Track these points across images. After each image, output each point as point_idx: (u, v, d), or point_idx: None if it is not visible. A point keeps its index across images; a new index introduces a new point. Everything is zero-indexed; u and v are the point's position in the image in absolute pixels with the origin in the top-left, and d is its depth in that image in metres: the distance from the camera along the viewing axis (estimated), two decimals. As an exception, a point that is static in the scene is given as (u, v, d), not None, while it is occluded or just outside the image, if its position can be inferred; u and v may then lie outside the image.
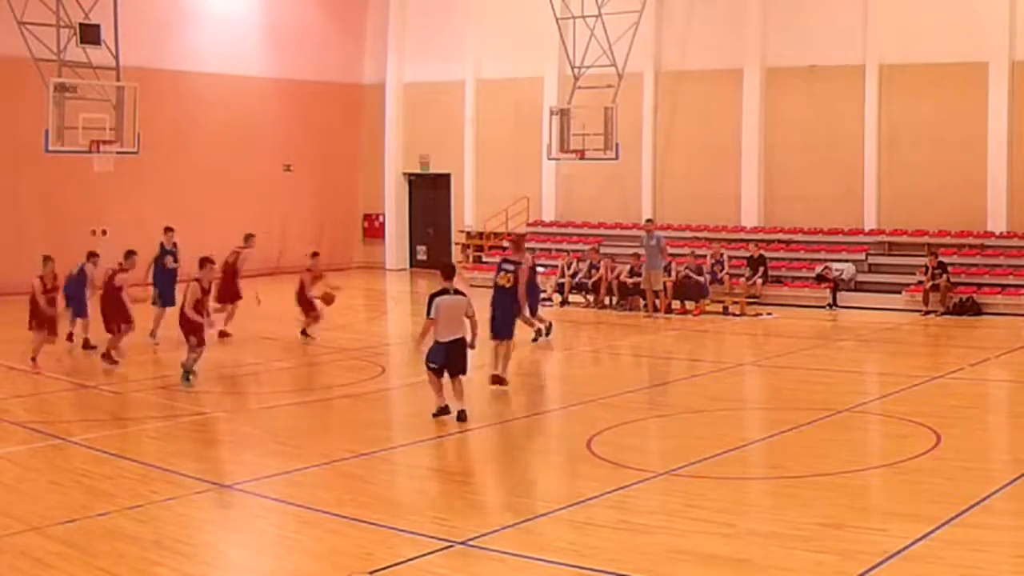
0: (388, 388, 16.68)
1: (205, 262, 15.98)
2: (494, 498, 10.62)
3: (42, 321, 17.20)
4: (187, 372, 15.56)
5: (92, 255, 19.45)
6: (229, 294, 20.71)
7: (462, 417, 13.06)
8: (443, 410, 13.16)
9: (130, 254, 18.30)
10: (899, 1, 25.82)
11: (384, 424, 14.45)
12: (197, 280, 15.81)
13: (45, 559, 8.41)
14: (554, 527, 9.29)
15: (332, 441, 12.51)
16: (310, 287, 20.23)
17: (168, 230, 21.29)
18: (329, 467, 11.33)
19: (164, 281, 20.23)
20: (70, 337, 19.00)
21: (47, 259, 17.92)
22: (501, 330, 15.59)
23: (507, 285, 15.96)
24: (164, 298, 19.93)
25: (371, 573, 8.13)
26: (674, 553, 8.59)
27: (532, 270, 19.40)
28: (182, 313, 15.69)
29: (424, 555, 8.52)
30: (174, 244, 21.12)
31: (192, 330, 15.61)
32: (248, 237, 21.87)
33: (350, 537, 9.05)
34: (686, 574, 8.22)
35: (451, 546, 8.73)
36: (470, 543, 8.79)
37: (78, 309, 18.90)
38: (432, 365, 13.16)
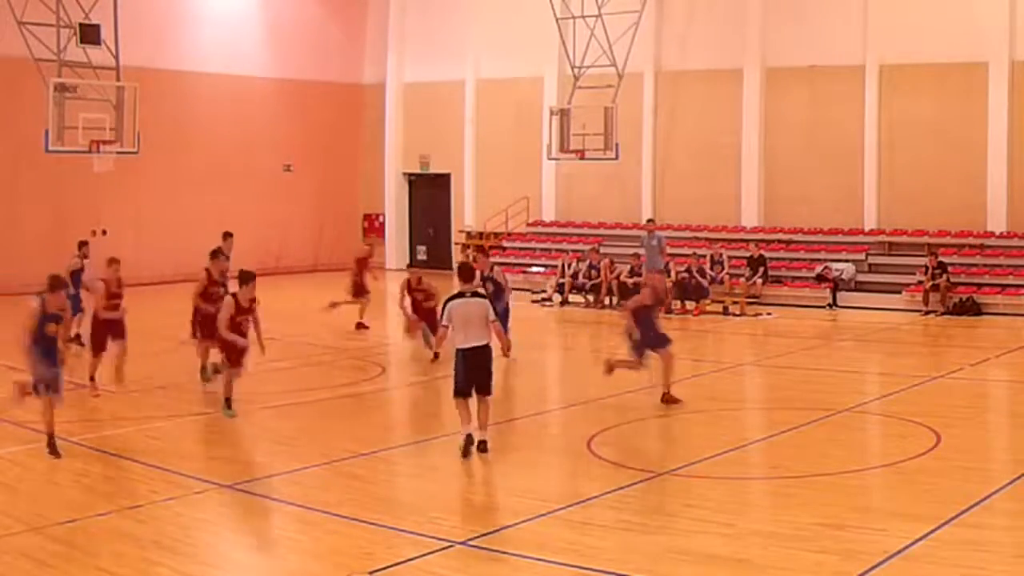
0: (388, 388, 16.69)
1: (247, 277, 13.83)
2: (494, 498, 10.63)
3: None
4: (226, 400, 13.67)
5: (83, 244, 19.28)
6: (360, 290, 22.10)
7: (482, 448, 11.64)
8: (468, 440, 11.60)
9: (217, 253, 17.19)
10: (899, 1, 25.82)
11: (384, 424, 14.44)
12: (234, 295, 13.86)
13: (45, 559, 8.42)
14: (554, 527, 9.29)
15: (332, 441, 12.51)
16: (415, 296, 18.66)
17: (227, 235, 20.27)
18: (329, 467, 11.33)
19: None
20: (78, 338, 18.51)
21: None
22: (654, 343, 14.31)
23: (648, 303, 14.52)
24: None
25: (371, 573, 8.13)
26: (674, 553, 8.59)
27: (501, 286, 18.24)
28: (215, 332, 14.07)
29: (424, 555, 8.52)
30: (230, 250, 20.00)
31: (225, 350, 13.79)
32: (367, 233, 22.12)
33: (350, 537, 9.05)
34: (686, 574, 8.22)
35: (451, 546, 8.73)
36: (470, 543, 8.80)
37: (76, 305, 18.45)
38: (457, 388, 11.65)
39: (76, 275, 18.64)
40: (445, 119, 32.86)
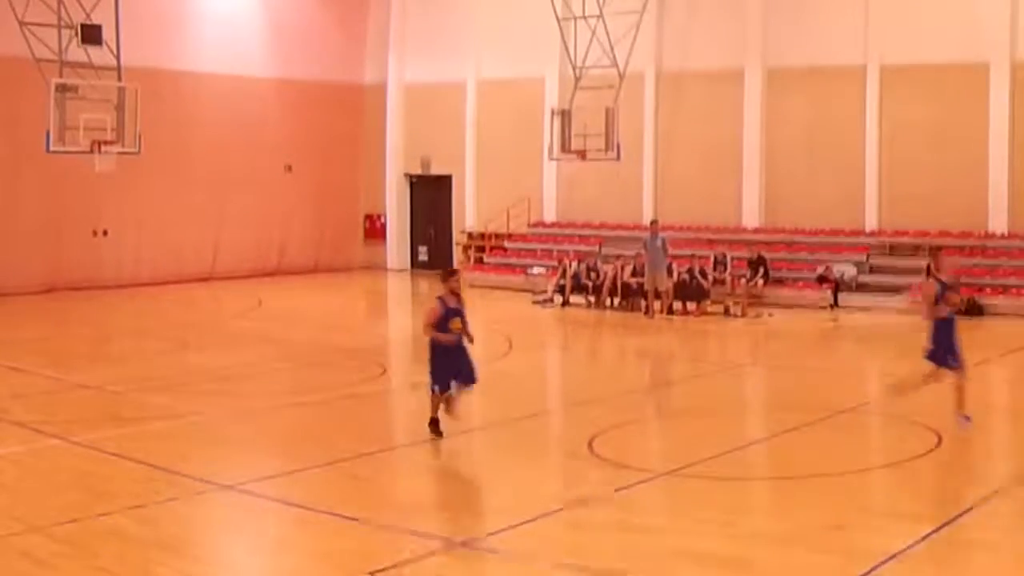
0: (389, 388, 16.68)
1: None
2: (494, 498, 10.61)
3: None
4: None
5: (451, 274, 12.68)
6: None
7: None
8: None
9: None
10: (900, 1, 25.82)
11: (385, 424, 14.45)
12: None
13: (46, 559, 8.42)
14: (554, 527, 9.28)
15: (333, 441, 12.50)
16: None
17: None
18: (330, 467, 11.32)
19: None
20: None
21: None
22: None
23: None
24: None
25: (372, 573, 8.13)
26: (675, 553, 8.59)
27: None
28: None
29: (424, 555, 8.52)
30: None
31: None
32: None
33: (350, 537, 9.05)
34: (687, 574, 8.21)
35: (451, 546, 8.72)
36: (470, 543, 8.79)
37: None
38: None
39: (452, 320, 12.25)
40: (446, 120, 32.84)
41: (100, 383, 15.83)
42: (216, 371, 16.87)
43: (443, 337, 12.00)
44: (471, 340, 12.31)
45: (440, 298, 12.16)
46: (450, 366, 12.06)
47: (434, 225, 34.24)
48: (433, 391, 12.14)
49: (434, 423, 12.24)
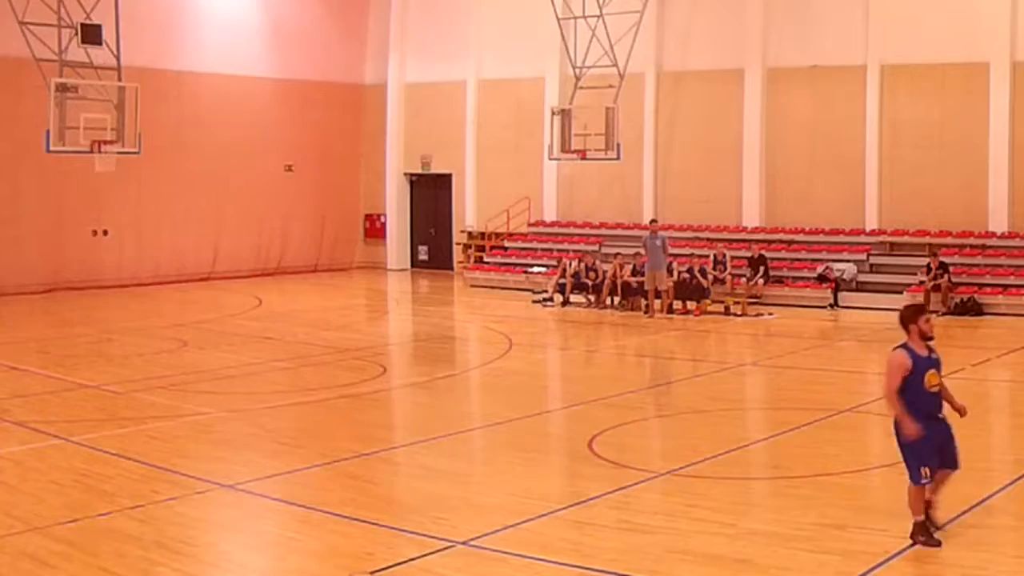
0: (389, 388, 16.69)
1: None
2: (494, 498, 10.61)
3: None
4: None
5: (919, 312, 9.04)
6: None
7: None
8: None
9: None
10: (901, 1, 25.82)
11: (385, 424, 14.45)
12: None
13: (47, 559, 8.42)
14: (555, 527, 9.28)
15: (333, 441, 12.51)
16: None
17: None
18: (330, 467, 11.33)
19: None
20: None
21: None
22: None
23: None
24: None
25: (372, 573, 8.13)
26: (675, 553, 8.59)
27: None
28: None
29: (425, 555, 8.52)
30: None
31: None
32: None
33: (351, 537, 9.05)
34: (687, 574, 8.21)
35: (452, 546, 8.72)
36: (470, 543, 8.79)
37: None
38: None
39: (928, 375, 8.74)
40: (446, 119, 32.85)
41: (100, 383, 15.84)
42: (216, 371, 16.88)
43: (910, 428, 8.51)
44: (962, 412, 8.82)
45: (905, 346, 8.70)
46: (935, 444, 8.58)
47: (434, 224, 34.26)
48: (918, 481, 8.55)
49: (923, 528, 8.55)
